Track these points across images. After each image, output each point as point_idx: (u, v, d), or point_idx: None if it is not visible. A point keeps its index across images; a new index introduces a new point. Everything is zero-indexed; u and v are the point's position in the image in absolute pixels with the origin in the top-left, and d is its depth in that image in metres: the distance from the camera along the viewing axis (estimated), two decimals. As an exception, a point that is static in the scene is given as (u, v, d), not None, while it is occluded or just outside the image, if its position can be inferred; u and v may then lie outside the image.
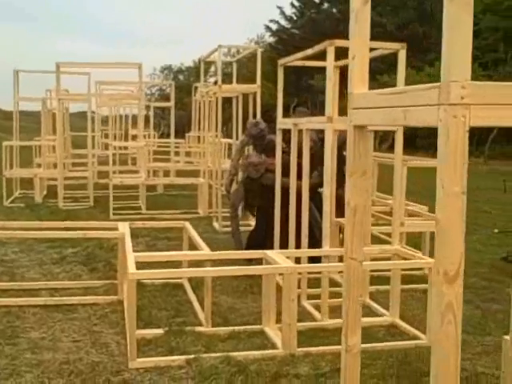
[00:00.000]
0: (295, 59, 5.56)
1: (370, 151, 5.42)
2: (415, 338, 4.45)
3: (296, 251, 4.99)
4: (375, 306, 5.24)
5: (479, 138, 28.72)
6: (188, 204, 10.94)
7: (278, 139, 5.98)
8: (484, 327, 4.81)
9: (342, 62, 5.48)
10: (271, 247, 5.91)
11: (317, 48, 4.90)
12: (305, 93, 35.46)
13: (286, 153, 5.86)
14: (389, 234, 7.22)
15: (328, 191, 4.74)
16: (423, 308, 5.10)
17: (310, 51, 5.05)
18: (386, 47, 4.93)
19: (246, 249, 6.20)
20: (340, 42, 4.65)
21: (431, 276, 4.37)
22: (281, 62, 5.85)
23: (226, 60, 19.80)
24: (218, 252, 4.94)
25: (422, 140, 26.73)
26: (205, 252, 4.65)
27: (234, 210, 6.94)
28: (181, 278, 5.63)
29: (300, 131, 5.31)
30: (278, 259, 4.34)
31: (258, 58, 8.70)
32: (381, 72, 31.14)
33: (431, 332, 1.55)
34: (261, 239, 6.28)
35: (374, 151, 6.49)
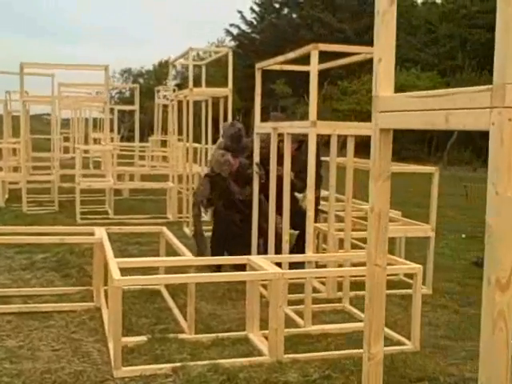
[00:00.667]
0: (275, 63, 5.53)
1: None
2: (400, 343, 4.45)
3: (279, 257, 4.95)
4: (355, 311, 5.23)
5: (437, 144, 29.31)
6: (156, 209, 10.79)
7: (256, 144, 5.94)
8: (464, 332, 4.84)
9: (324, 65, 5.46)
10: (230, 253, 5.92)
11: (299, 52, 4.88)
12: (266, 98, 35.62)
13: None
14: (363, 240, 7.28)
15: (312, 195, 4.71)
16: (404, 313, 5.13)
17: (291, 55, 5.03)
18: (369, 51, 4.92)
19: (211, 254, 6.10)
20: (324, 46, 4.63)
21: (416, 281, 4.38)
22: (258, 65, 5.81)
23: (185, 63, 19.70)
24: (201, 258, 4.86)
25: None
26: (189, 258, 4.56)
27: (198, 207, 6.75)
28: (158, 285, 5.52)
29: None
30: (264, 265, 4.28)
31: (230, 61, 8.63)
32: (341, 78, 31.52)
33: (481, 340, 1.52)
34: (220, 245, 6.19)
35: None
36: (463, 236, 9.22)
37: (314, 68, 4.64)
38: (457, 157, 27.38)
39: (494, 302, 1.42)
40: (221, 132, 7.55)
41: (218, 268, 5.44)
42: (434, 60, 32.35)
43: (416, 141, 28.51)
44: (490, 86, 1.45)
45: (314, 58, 4.60)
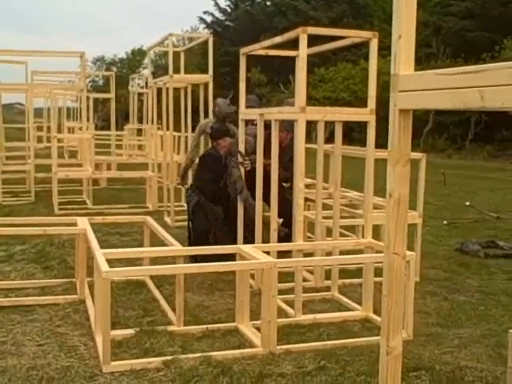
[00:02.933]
0: (261, 48, 5.41)
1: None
2: (392, 331, 4.39)
3: (269, 245, 4.85)
4: (345, 299, 5.17)
5: (413, 132, 29.42)
6: (134, 198, 10.61)
7: (241, 131, 5.82)
8: (455, 319, 4.80)
9: (312, 50, 5.35)
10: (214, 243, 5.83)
11: (287, 36, 4.76)
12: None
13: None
14: (346, 228, 7.23)
15: (301, 183, 4.62)
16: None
17: (278, 39, 4.91)
18: (357, 35, 4.83)
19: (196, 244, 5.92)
20: (313, 30, 4.53)
21: (409, 268, 4.32)
22: (243, 50, 5.68)
23: (163, 50, 19.39)
24: (191, 248, 4.74)
25: (357, 133, 27.09)
26: (177, 248, 4.44)
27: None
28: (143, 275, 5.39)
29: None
30: (255, 254, 4.18)
31: (210, 46, 8.48)
32: (317, 65, 31.43)
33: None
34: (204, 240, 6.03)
35: (312, 143, 6.37)
36: (445, 222, 9.23)
37: (302, 52, 4.53)
38: (432, 144, 27.53)
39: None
40: (211, 109, 7.44)
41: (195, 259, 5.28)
42: (409, 47, 32.40)
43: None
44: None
45: (303, 42, 4.49)
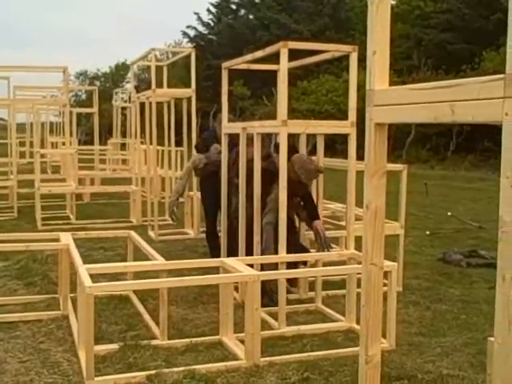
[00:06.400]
0: (243, 62, 5.46)
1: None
2: (375, 341, 4.42)
3: (252, 258, 4.87)
4: (329, 311, 5.19)
5: (395, 142, 29.67)
6: (118, 213, 10.59)
7: (224, 145, 5.86)
8: (437, 328, 4.85)
9: (293, 64, 5.41)
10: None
11: (268, 50, 4.81)
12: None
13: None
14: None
15: (284, 197, 4.65)
16: (377, 311, 5.12)
17: (260, 53, 4.96)
18: (337, 49, 4.90)
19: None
20: (294, 44, 4.58)
21: (391, 279, 4.37)
22: (225, 64, 5.74)
23: (146, 64, 19.46)
24: (173, 261, 4.75)
25: (340, 145, 27.27)
26: (160, 262, 4.45)
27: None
28: (127, 290, 5.38)
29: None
30: (238, 267, 4.20)
31: (193, 60, 8.53)
32: (299, 78, 31.64)
33: (495, 340, 1.47)
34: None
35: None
36: (427, 233, 9.31)
37: (283, 66, 4.58)
38: (415, 155, 27.74)
39: (509, 300, 1.36)
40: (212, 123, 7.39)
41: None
42: (391, 60, 32.72)
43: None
44: (503, 76, 1.40)
45: (284, 56, 4.55)
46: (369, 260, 1.86)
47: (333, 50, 4.99)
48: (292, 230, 5.42)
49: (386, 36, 1.88)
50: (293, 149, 5.35)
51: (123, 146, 19.12)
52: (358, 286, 4.90)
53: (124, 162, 17.00)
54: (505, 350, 1.42)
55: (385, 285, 4.55)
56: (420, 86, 1.70)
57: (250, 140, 5.30)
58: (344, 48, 4.83)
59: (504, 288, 1.39)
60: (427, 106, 1.64)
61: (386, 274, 4.59)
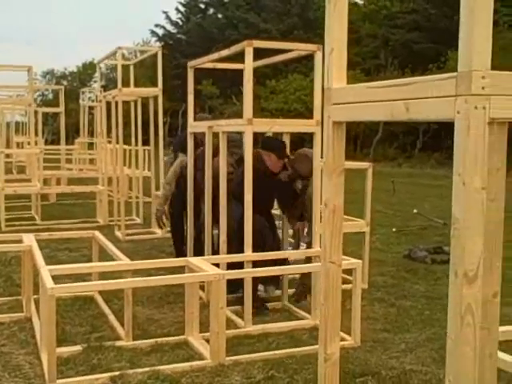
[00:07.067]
0: (208, 61, 5.44)
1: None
2: (340, 339, 4.43)
3: (218, 257, 4.86)
4: (294, 309, 5.21)
5: (363, 141, 29.94)
6: (85, 213, 10.48)
7: (190, 144, 5.84)
8: (401, 324, 4.90)
9: (258, 63, 5.41)
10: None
11: (233, 49, 4.80)
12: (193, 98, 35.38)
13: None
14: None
15: (250, 196, 4.65)
16: (341, 308, 5.14)
17: (225, 52, 4.95)
18: (303, 48, 4.91)
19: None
20: (259, 43, 4.58)
21: (356, 276, 4.40)
22: (191, 63, 5.71)
23: (112, 63, 19.26)
24: (138, 261, 4.71)
25: (309, 143, 27.42)
26: (124, 262, 4.41)
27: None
28: (92, 291, 5.32)
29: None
30: (203, 266, 4.19)
31: (159, 60, 8.48)
32: (268, 77, 31.69)
33: (448, 336, 1.48)
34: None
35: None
36: (394, 230, 9.41)
37: (248, 65, 4.58)
38: (382, 153, 28.02)
39: (461, 296, 1.38)
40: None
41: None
42: (358, 59, 33.03)
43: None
44: (455, 74, 1.41)
45: (249, 55, 4.54)
46: (327, 258, 1.87)
47: (298, 49, 5.00)
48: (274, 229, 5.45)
49: (344, 34, 1.89)
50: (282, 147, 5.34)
51: (91, 146, 18.93)
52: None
53: (91, 161, 16.83)
54: (457, 346, 1.44)
55: (350, 282, 4.61)
56: (376, 85, 1.71)
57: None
58: (309, 47, 4.84)
59: (456, 284, 1.41)
60: (383, 104, 1.65)
61: (346, 272, 4.64)
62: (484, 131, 1.38)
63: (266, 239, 5.09)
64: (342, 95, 1.85)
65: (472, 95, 1.36)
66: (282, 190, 5.44)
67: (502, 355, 2.46)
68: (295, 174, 5.42)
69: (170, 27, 45.50)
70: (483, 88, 1.37)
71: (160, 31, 45.41)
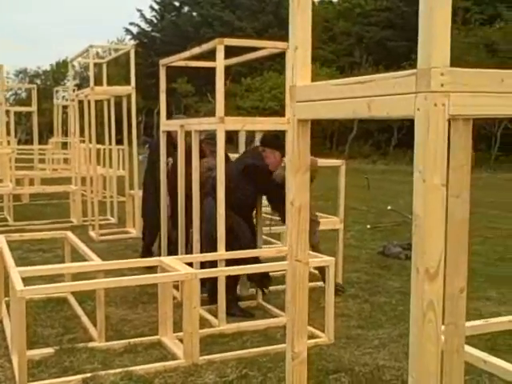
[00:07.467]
0: (180, 59, 5.41)
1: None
2: (314, 336, 4.46)
3: (191, 256, 4.84)
4: (269, 306, 5.22)
5: (338, 139, 30.11)
6: (59, 213, 10.37)
7: (163, 142, 5.81)
8: (375, 320, 4.94)
9: (230, 61, 5.40)
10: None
11: (205, 47, 4.79)
12: (168, 96, 35.23)
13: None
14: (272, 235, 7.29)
15: (221, 193, 4.64)
16: (316, 306, 5.15)
17: (197, 50, 4.93)
18: (273, 46, 4.91)
19: None
20: (230, 41, 4.57)
21: (329, 273, 4.41)
22: (163, 61, 5.68)
23: (85, 62, 19.07)
24: (111, 261, 4.67)
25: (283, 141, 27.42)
26: (96, 262, 4.37)
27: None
28: (65, 292, 5.26)
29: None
30: (176, 265, 4.17)
31: (132, 58, 8.41)
32: (243, 75, 31.71)
33: (411, 333, 1.49)
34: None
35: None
36: (368, 226, 9.47)
37: (220, 63, 4.56)
38: (357, 151, 28.21)
39: (423, 293, 1.39)
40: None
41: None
42: (333, 57, 33.21)
43: (317, 136, 29.12)
44: (415, 71, 1.42)
45: (220, 53, 4.53)
46: (293, 256, 1.87)
47: (268, 47, 5.01)
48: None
49: (308, 32, 1.89)
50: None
51: (65, 145, 18.73)
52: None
53: (66, 161, 16.66)
54: (420, 343, 1.45)
55: (323, 279, 4.63)
56: (339, 82, 1.71)
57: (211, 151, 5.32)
58: (279, 45, 4.85)
59: (418, 281, 1.41)
60: (346, 102, 1.65)
61: (323, 269, 4.66)
62: (444, 128, 1.38)
63: (242, 236, 5.06)
64: (306, 93, 1.85)
65: (431, 92, 1.37)
66: (275, 190, 5.36)
67: (469, 349, 2.49)
68: None
69: (144, 25, 45.28)
70: (442, 85, 1.37)
71: (134, 29, 45.17)
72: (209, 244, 4.90)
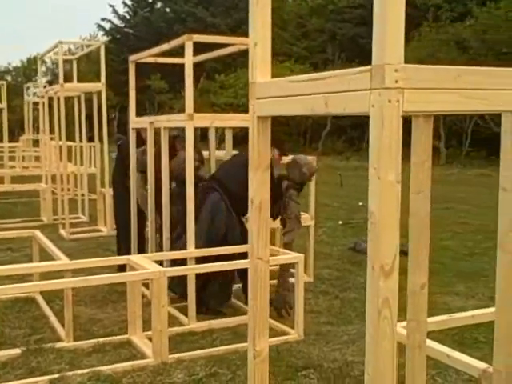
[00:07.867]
0: (149, 55, 5.37)
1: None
2: (284, 333, 4.46)
3: (161, 254, 4.81)
4: (239, 303, 5.21)
5: (312, 135, 30.19)
6: (29, 212, 10.24)
7: (132, 139, 5.76)
8: (345, 316, 4.96)
9: (199, 58, 5.38)
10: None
11: (174, 43, 4.76)
12: (142, 93, 35.03)
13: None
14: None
15: (191, 190, 4.62)
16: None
17: (166, 46, 4.89)
18: (242, 43, 4.90)
19: None
20: (198, 37, 4.55)
21: (298, 270, 4.42)
22: (132, 58, 5.63)
23: (55, 58, 18.85)
24: (78, 260, 4.61)
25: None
26: (64, 262, 4.32)
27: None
28: (33, 292, 5.20)
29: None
30: (145, 264, 4.14)
31: (102, 54, 8.32)
32: (217, 72, 31.64)
33: (366, 330, 1.50)
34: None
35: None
36: (340, 223, 9.52)
37: (188, 60, 4.54)
38: (331, 147, 28.32)
39: (378, 290, 1.39)
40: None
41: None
42: (306, 53, 33.29)
43: (291, 133, 29.19)
44: (369, 67, 1.42)
45: (189, 49, 4.50)
46: (255, 254, 1.86)
47: (236, 43, 4.99)
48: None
49: (268, 28, 1.89)
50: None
51: (36, 143, 18.50)
52: (270, 278, 4.96)
53: (37, 158, 16.45)
54: (375, 340, 1.46)
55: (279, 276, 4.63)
56: (297, 79, 1.71)
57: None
58: (247, 41, 4.81)
59: (373, 278, 1.42)
60: (304, 99, 1.65)
61: (292, 266, 4.66)
62: (398, 125, 1.39)
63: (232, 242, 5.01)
64: (265, 89, 1.84)
65: (385, 89, 1.37)
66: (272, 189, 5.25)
67: (433, 344, 2.51)
68: (287, 176, 5.28)
69: (117, 21, 44.89)
70: (396, 81, 1.37)
71: (107, 25, 44.76)
72: (205, 244, 4.85)
